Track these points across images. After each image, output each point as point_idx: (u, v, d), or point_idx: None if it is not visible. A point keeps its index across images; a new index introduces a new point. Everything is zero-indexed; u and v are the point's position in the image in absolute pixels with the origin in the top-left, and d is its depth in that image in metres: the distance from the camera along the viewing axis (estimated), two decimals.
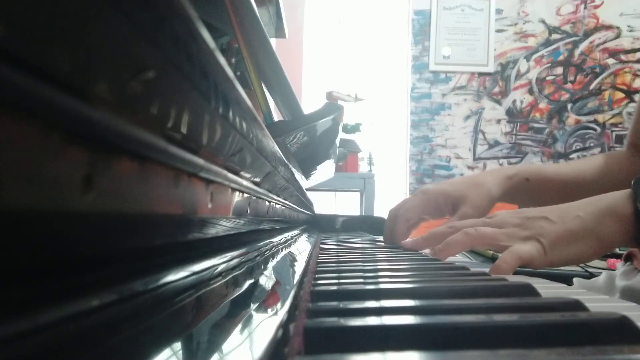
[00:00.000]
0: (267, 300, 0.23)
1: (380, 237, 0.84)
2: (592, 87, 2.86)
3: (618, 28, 2.84)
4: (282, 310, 0.20)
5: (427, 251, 0.60)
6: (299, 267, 0.37)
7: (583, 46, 2.87)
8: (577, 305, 0.23)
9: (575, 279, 0.83)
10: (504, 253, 0.49)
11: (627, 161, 0.79)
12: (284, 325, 0.19)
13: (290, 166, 0.45)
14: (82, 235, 0.12)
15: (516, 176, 0.76)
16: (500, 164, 2.86)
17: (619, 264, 0.81)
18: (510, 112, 2.88)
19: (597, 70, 2.86)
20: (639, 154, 0.79)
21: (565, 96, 2.87)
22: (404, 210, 0.72)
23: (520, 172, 0.77)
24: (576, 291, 0.41)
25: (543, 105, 2.88)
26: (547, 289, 0.40)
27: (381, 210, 2.23)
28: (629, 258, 0.79)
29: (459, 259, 0.62)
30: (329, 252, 0.59)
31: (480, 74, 2.88)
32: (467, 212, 0.68)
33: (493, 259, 0.93)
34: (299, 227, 0.82)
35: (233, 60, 0.91)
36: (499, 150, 2.88)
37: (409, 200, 0.75)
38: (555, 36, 2.87)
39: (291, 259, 0.42)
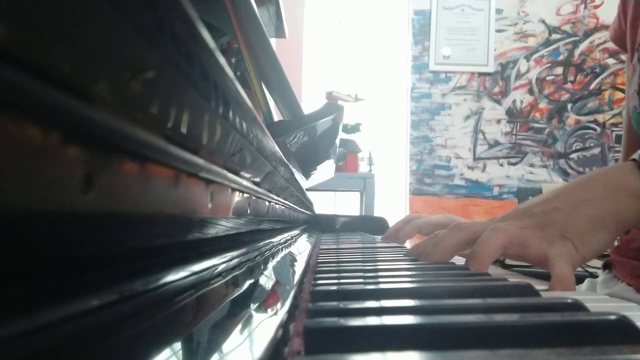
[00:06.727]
0: (267, 300, 0.23)
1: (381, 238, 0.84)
2: (592, 87, 2.86)
3: None
4: (282, 310, 0.20)
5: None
6: (299, 267, 0.37)
7: (583, 46, 2.87)
8: (577, 306, 0.23)
9: None
10: (555, 268, 0.41)
11: None
12: (283, 325, 0.19)
13: (290, 166, 0.45)
14: (82, 235, 0.12)
15: None
16: (500, 164, 2.85)
17: (599, 272, 0.80)
18: (510, 112, 2.88)
19: (597, 70, 2.86)
20: None
21: (565, 96, 2.87)
22: (422, 221, 0.75)
23: None
24: (576, 291, 0.41)
25: (543, 105, 2.87)
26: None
27: (381, 210, 2.23)
28: (607, 266, 0.78)
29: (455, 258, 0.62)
30: (329, 252, 0.59)
31: (480, 74, 2.88)
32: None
33: None
34: (299, 227, 0.82)
35: (233, 60, 0.91)
36: (499, 150, 2.88)
37: (433, 217, 0.77)
38: (555, 36, 2.87)
39: (291, 259, 0.42)
